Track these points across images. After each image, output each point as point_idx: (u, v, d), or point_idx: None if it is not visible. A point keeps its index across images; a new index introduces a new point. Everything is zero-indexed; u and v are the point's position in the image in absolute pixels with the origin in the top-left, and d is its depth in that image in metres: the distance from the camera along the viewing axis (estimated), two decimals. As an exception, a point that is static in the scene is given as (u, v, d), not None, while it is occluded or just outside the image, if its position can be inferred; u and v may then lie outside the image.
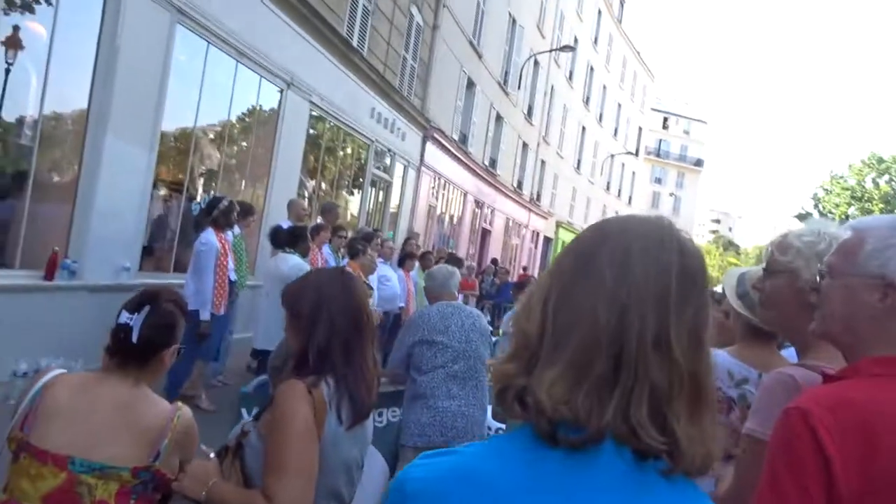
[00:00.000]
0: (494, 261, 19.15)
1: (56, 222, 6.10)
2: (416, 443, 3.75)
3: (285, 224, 7.31)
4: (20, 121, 5.84)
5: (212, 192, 8.38)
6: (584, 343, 0.84)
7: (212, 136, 8.64)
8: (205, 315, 5.41)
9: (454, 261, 8.63)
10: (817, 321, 1.55)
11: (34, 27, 5.72)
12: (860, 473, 1.19)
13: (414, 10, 14.65)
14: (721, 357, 2.31)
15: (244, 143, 9.54)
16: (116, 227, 6.47)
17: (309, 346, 1.88)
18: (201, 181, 8.64)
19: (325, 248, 7.98)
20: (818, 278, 1.56)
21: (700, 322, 0.86)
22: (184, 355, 2.08)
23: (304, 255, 6.29)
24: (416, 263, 9.69)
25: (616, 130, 39.02)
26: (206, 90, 8.02)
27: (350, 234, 9.12)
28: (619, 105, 39.09)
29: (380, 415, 4.11)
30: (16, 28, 5.57)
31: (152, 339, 1.89)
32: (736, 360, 2.27)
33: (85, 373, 1.93)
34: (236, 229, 6.84)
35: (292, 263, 5.96)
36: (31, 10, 5.77)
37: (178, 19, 7.12)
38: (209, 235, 5.64)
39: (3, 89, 5.60)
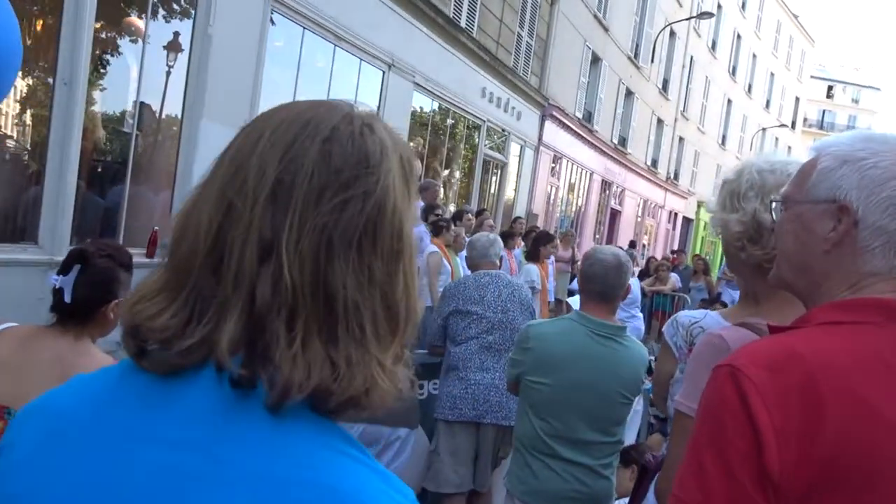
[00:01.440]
0: (632, 243, 18.36)
1: (157, 204, 6.56)
2: (448, 416, 3.64)
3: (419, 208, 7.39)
4: (121, 109, 6.31)
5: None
6: (185, 251, 0.70)
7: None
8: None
9: (545, 237, 8.32)
10: (773, 266, 1.29)
11: (132, 21, 6.15)
12: (801, 451, 0.95)
13: (529, -14, 14.31)
14: (710, 318, 2.02)
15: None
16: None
17: None
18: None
19: (421, 227, 8.01)
20: (773, 215, 1.30)
21: (343, 225, 0.68)
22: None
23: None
24: (521, 242, 9.49)
25: (769, 102, 36.15)
26: (304, 75, 8.29)
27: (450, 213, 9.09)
28: (772, 74, 36.14)
29: (420, 387, 4.04)
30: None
31: (87, 297, 1.93)
32: (724, 321, 1.96)
33: (32, 325, 2.00)
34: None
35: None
36: (131, 4, 6.22)
37: (273, 6, 7.39)
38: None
39: (102, 79, 6.08)
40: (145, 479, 0.63)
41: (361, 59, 9.22)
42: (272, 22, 7.54)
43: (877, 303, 1.05)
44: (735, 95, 31.88)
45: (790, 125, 39.21)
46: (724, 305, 11.77)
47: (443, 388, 3.74)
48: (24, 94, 5.49)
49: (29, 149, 5.63)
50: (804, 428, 0.95)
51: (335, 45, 8.63)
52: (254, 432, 0.64)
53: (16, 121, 5.57)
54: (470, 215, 8.55)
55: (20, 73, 5.24)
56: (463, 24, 11.74)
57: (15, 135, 5.66)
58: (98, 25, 5.67)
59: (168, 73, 6.61)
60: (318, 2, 7.94)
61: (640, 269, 12.96)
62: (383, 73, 9.74)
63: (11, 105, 5.37)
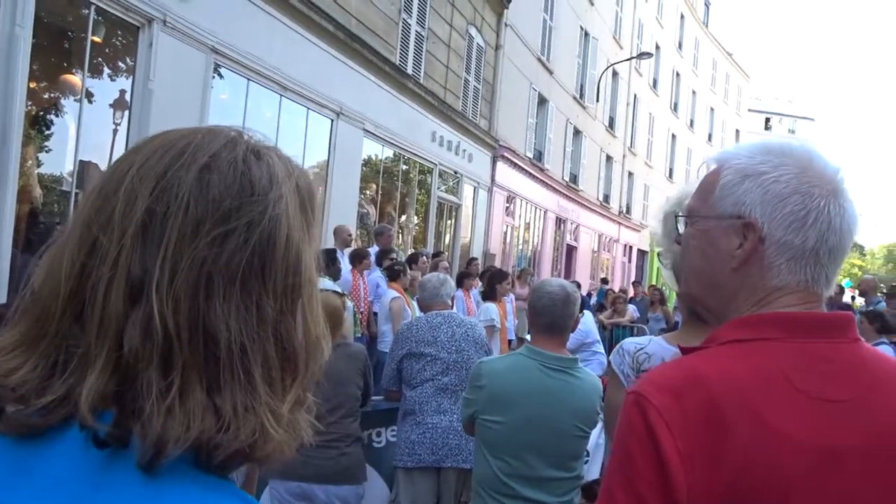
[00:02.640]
0: (604, 280, 18.35)
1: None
2: (406, 463, 3.54)
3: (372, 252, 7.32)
4: (60, 168, 6.17)
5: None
6: (45, 297, 0.63)
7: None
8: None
9: (499, 275, 8.33)
10: (682, 283, 1.26)
11: (68, 78, 6.05)
12: (707, 475, 0.92)
13: (473, 32, 14.64)
14: (654, 343, 2.00)
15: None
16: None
17: None
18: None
19: (375, 272, 7.94)
20: (679, 228, 1.27)
21: (225, 260, 0.62)
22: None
23: (335, 278, 6.25)
24: (478, 282, 9.48)
25: (710, 136, 37.36)
26: (250, 125, 8.21)
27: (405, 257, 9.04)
28: (712, 109, 37.47)
29: (378, 434, 3.93)
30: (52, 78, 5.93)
31: None
32: (667, 345, 1.94)
33: None
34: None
35: (321, 286, 5.93)
36: (68, 61, 6.13)
37: (216, 59, 7.38)
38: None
39: (40, 138, 5.94)
40: None
41: (309, 109, 9.24)
42: (219, 75, 7.52)
43: (778, 317, 1.02)
44: (678, 130, 32.91)
45: (733, 156, 40.49)
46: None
47: (400, 434, 3.64)
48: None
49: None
50: (708, 452, 0.92)
51: (281, 96, 8.64)
52: (126, 499, 0.56)
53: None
54: (425, 258, 8.52)
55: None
56: (409, 70, 11.91)
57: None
58: (33, 85, 5.56)
59: (115, 131, 6.50)
60: (261, 53, 7.96)
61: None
62: (332, 121, 9.77)
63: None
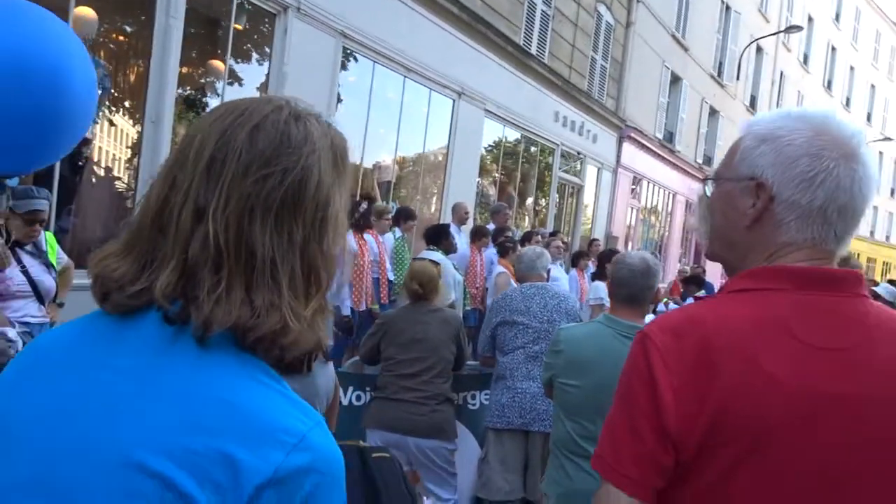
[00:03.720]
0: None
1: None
2: (496, 424, 3.73)
3: (452, 227, 7.60)
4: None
5: (389, 202, 9.00)
6: (140, 218, 0.88)
7: (383, 149, 9.28)
8: (345, 310, 5.87)
9: (608, 255, 8.25)
10: (708, 243, 1.36)
11: (214, 63, 6.67)
12: (695, 409, 1.04)
13: (602, 10, 14.36)
14: None
15: (417, 153, 10.08)
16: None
17: None
18: (377, 191, 9.30)
19: (491, 249, 8.14)
20: (707, 191, 1.36)
21: (265, 195, 0.82)
22: (335, 345, 2.28)
23: (447, 251, 6.50)
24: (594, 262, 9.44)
25: (870, 115, 34.25)
26: (375, 106, 8.67)
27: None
28: (873, 86, 34.29)
29: (473, 397, 4.14)
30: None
31: None
32: None
33: None
34: (397, 232, 7.28)
35: (430, 257, 6.20)
36: (214, 46, 6.75)
37: (344, 43, 7.82)
38: (347, 238, 6.14)
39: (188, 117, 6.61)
40: (95, 398, 0.80)
41: (431, 90, 9.54)
42: (347, 58, 7.96)
43: (783, 270, 1.10)
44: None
45: (896, 138, 36.94)
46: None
47: (492, 398, 3.84)
48: (116, 133, 6.05)
49: (126, 184, 6.18)
50: (696, 389, 1.03)
51: (405, 77, 8.99)
52: (182, 360, 0.79)
53: (111, 159, 6.14)
54: (539, 237, 8.61)
55: (113, 112, 5.79)
56: (534, 50, 11.92)
57: (112, 172, 6.23)
58: (185, 70, 6.19)
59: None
60: (386, 35, 8.33)
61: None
62: (453, 101, 10.02)
63: (106, 142, 5.94)
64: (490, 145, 11.53)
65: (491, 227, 8.66)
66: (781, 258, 1.12)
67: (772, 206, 1.12)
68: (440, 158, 10.20)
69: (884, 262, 31.10)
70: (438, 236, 6.49)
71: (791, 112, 1.18)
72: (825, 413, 1.02)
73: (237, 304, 0.80)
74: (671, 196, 19.18)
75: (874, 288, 8.06)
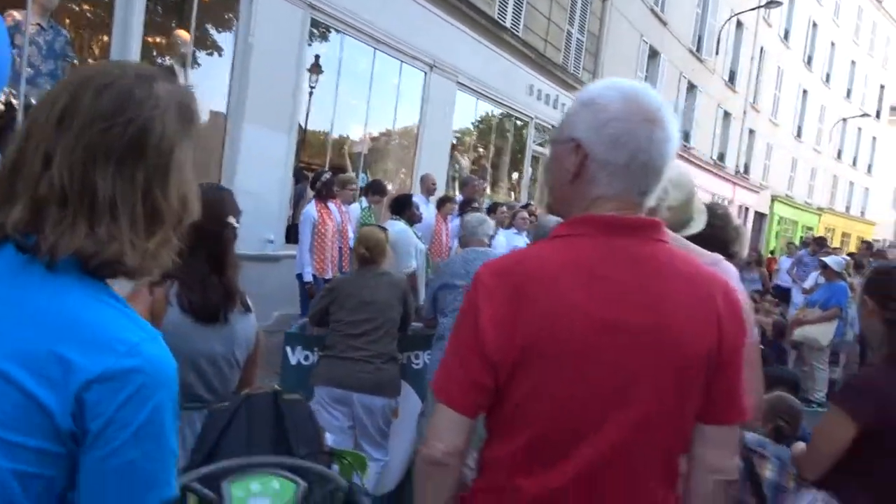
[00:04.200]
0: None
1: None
2: None
3: (418, 198, 7.76)
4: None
5: (360, 173, 9.12)
6: (1, 166, 1.03)
7: (353, 120, 9.37)
8: (307, 277, 6.06)
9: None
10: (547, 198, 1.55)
11: (179, 33, 6.73)
12: (509, 337, 1.23)
13: (579, -17, 14.40)
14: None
15: (387, 126, 10.18)
16: (258, 205, 7.33)
17: None
18: (348, 163, 9.42)
19: (457, 220, 8.30)
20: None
21: (107, 144, 0.98)
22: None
23: (410, 221, 6.66)
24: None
25: (850, 91, 34.50)
26: (345, 78, 8.75)
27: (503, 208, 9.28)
28: (853, 62, 34.47)
29: (416, 357, 4.34)
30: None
31: None
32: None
33: None
34: (364, 202, 7.43)
35: (396, 229, 6.36)
36: (179, 17, 6.81)
37: (312, 14, 7.88)
38: (309, 206, 6.29)
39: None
40: None
41: (402, 62, 9.62)
42: (315, 30, 8.02)
43: (591, 219, 1.30)
44: (811, 86, 30.63)
45: (875, 114, 37.26)
46: (777, 298, 11.52)
47: (434, 357, 4.04)
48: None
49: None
50: (512, 318, 1.22)
51: (375, 49, 9.06)
52: (32, 282, 0.95)
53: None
54: (505, 209, 8.78)
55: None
56: (508, 23, 11.97)
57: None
58: (148, 39, 6.25)
59: (219, 81, 7.18)
60: (356, 7, 8.38)
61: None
62: (425, 73, 10.10)
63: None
64: (463, 118, 11.63)
65: (459, 199, 8.82)
66: (595, 209, 1.31)
67: (587, 164, 1.31)
68: (412, 131, 10.31)
69: (858, 237, 31.60)
70: (402, 206, 6.65)
71: (612, 81, 1.36)
72: (612, 336, 1.21)
73: (80, 236, 0.96)
74: (647, 170, 19.36)
75: (824, 258, 8.34)
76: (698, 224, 2.23)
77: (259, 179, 7.33)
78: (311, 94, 8.62)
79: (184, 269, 2.15)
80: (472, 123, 12.07)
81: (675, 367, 1.23)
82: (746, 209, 27.58)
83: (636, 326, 1.22)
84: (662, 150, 1.29)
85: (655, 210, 2.14)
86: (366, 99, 9.30)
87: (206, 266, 2.18)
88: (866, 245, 13.72)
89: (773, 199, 28.93)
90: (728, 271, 1.78)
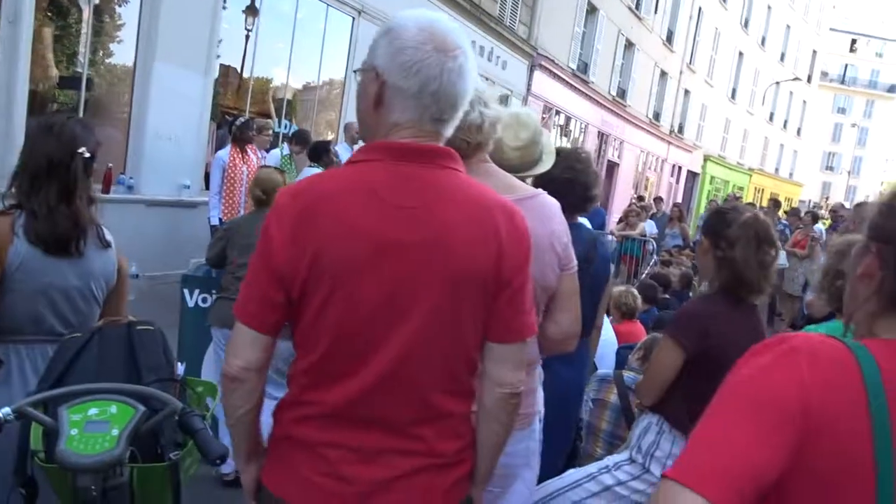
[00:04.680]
0: (658, 198, 18.22)
1: (113, 143, 6.89)
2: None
3: (341, 146, 7.67)
4: (73, 51, 6.61)
5: (282, 120, 8.94)
6: None
7: (276, 65, 9.13)
8: (213, 221, 5.99)
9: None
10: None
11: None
12: (298, 255, 1.26)
13: (516, -67, 14.20)
14: None
15: (313, 72, 9.97)
16: (173, 149, 7.16)
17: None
18: (271, 106, 9.21)
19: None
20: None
21: None
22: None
23: (327, 167, 6.60)
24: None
25: (783, 55, 35.37)
26: (266, 21, 8.49)
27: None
28: (788, 27, 35.27)
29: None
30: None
31: None
32: None
33: None
34: (286, 149, 7.31)
35: (309, 174, 6.31)
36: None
37: (230, -49, 7.58)
38: (222, 150, 6.18)
39: (53, 21, 6.36)
40: None
41: (329, 5, 9.37)
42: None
43: (382, 145, 1.33)
44: (747, 48, 31.27)
45: (806, 79, 38.39)
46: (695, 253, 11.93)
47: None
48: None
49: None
50: (301, 237, 1.26)
51: (300, -9, 8.80)
52: None
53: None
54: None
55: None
56: (442, -29, 11.77)
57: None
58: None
59: (121, 17, 6.87)
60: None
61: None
62: (353, 19, 9.88)
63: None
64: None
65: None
66: (393, 136, 1.34)
67: (385, 91, 1.33)
68: (339, 79, 10.12)
69: (786, 198, 32.91)
70: (319, 153, 6.57)
71: (412, 13, 1.36)
72: (391, 254, 1.25)
73: None
74: (584, 126, 19.58)
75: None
76: (547, 164, 2.29)
77: (173, 122, 7.11)
78: (247, 37, 8.37)
79: (33, 199, 2.12)
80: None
81: (451, 284, 1.28)
82: (679, 168, 28.26)
83: (414, 245, 1.26)
84: (454, 80, 1.31)
85: (501, 148, 2.20)
86: (289, 43, 9.07)
87: (56, 197, 2.13)
88: (793, 211, 14.20)
89: (706, 158, 29.69)
90: (547, 204, 1.84)
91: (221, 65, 8.15)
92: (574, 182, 2.63)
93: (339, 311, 1.27)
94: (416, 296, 1.26)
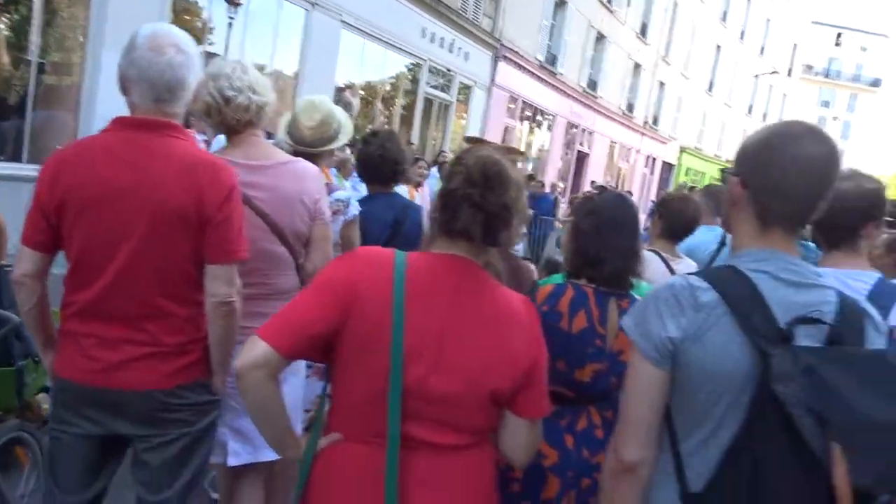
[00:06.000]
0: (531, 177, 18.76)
1: (62, 126, 7.39)
2: None
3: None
4: (24, 36, 7.08)
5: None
6: None
7: (227, 54, 9.59)
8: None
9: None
10: None
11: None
12: (53, 196, 1.81)
13: (479, -73, 14.63)
14: None
15: (264, 61, 10.39)
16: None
17: None
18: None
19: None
20: None
21: None
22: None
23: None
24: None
25: (763, 48, 35.83)
26: (217, 8, 8.94)
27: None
28: (768, 20, 35.71)
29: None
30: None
31: None
32: None
33: None
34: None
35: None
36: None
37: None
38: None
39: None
40: None
41: (281, -2, 9.83)
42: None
43: (120, 119, 1.87)
44: (725, 42, 31.73)
45: (786, 72, 38.89)
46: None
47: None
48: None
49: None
50: (55, 183, 1.81)
51: (250, -16, 9.25)
52: None
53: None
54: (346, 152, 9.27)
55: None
56: (400, -36, 12.20)
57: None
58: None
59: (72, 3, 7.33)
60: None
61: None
62: (306, 10, 10.34)
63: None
64: (350, 59, 11.87)
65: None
66: (133, 114, 1.86)
67: (124, 81, 1.87)
68: (292, 71, 10.57)
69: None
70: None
71: (150, 25, 1.89)
72: (117, 195, 1.80)
73: None
74: (551, 117, 20.07)
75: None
76: (342, 140, 2.83)
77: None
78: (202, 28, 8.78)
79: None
80: (360, 65, 12.35)
81: (159, 216, 1.81)
82: (654, 159, 28.78)
83: (131, 188, 1.81)
84: (163, 71, 1.84)
85: (298, 127, 2.74)
86: (240, 35, 9.52)
87: None
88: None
89: (682, 150, 30.22)
90: (300, 168, 2.36)
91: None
92: (384, 158, 3.17)
93: (81, 235, 1.82)
94: (133, 224, 1.80)
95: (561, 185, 18.68)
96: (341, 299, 1.47)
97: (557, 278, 2.30)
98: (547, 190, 14.41)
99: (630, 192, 17.41)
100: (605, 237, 2.15)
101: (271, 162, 2.29)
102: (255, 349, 1.41)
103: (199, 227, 1.84)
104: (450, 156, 13.20)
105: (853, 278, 1.95)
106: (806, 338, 1.28)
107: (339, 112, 2.88)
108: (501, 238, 1.56)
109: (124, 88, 1.87)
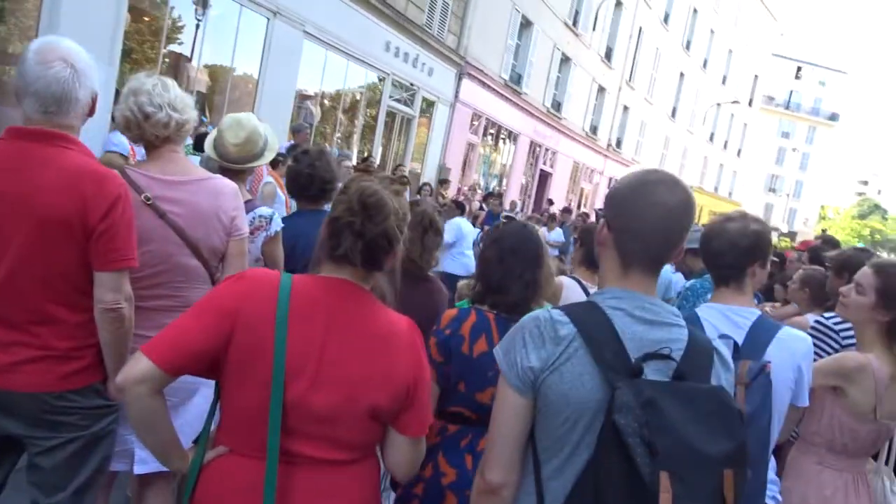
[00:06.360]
0: (550, 201, 19.06)
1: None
2: None
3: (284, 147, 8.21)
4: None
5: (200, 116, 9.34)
6: None
7: (184, 61, 9.54)
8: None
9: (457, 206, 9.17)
10: None
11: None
12: None
13: (448, -54, 14.80)
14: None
15: (223, 70, 10.37)
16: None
17: None
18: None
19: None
20: None
21: None
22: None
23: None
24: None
25: (725, 78, 36.76)
26: (186, 10, 8.89)
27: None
28: (731, 51, 36.68)
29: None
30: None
31: None
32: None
33: None
34: (188, 140, 7.75)
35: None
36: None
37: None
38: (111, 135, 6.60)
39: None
40: None
41: (242, 5, 9.81)
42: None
43: (12, 129, 1.88)
44: (689, 69, 32.46)
45: (748, 102, 39.94)
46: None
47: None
48: None
49: None
50: None
51: (211, -9, 9.23)
52: None
53: None
54: (348, 162, 9.31)
55: None
56: (365, -22, 12.27)
57: None
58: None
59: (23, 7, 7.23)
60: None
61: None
62: (267, 20, 10.34)
63: None
64: (312, 70, 11.88)
65: (289, 144, 9.26)
66: (24, 125, 1.88)
67: (17, 93, 1.88)
68: (251, 79, 10.55)
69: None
70: (200, 143, 7.04)
71: (45, 39, 1.92)
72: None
73: None
74: (514, 136, 20.29)
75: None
76: (267, 158, 2.87)
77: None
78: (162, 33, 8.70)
79: None
80: (322, 75, 12.37)
81: (39, 225, 1.83)
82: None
83: (12, 195, 1.83)
84: (49, 84, 1.86)
85: (224, 143, 2.77)
86: (199, 40, 9.49)
87: None
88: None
89: (643, 173, 30.68)
90: (217, 185, 2.39)
91: (134, 58, 8.53)
92: (314, 176, 3.20)
93: None
94: (14, 232, 1.82)
95: (519, 203, 18.89)
96: (224, 318, 1.51)
97: (464, 303, 2.37)
98: (506, 208, 14.56)
99: (589, 214, 17.68)
100: (507, 266, 2.22)
101: (188, 178, 2.31)
102: (139, 365, 1.45)
103: (83, 235, 1.86)
104: (407, 169, 13.30)
105: (736, 314, 2.05)
106: (655, 372, 1.35)
107: (265, 129, 2.91)
108: (383, 263, 1.61)
109: (18, 99, 1.88)
